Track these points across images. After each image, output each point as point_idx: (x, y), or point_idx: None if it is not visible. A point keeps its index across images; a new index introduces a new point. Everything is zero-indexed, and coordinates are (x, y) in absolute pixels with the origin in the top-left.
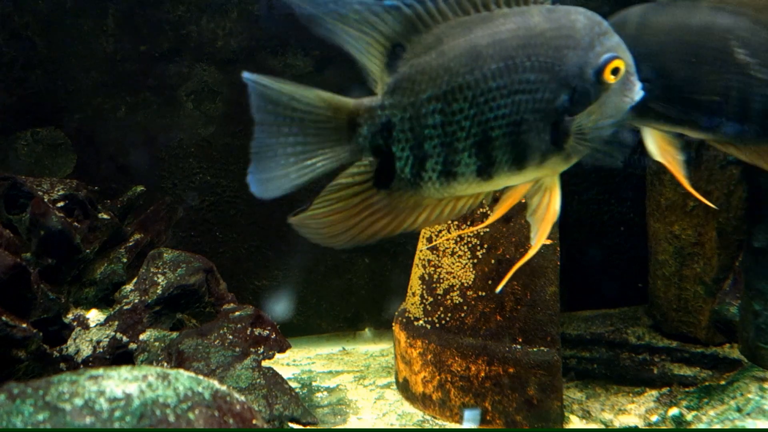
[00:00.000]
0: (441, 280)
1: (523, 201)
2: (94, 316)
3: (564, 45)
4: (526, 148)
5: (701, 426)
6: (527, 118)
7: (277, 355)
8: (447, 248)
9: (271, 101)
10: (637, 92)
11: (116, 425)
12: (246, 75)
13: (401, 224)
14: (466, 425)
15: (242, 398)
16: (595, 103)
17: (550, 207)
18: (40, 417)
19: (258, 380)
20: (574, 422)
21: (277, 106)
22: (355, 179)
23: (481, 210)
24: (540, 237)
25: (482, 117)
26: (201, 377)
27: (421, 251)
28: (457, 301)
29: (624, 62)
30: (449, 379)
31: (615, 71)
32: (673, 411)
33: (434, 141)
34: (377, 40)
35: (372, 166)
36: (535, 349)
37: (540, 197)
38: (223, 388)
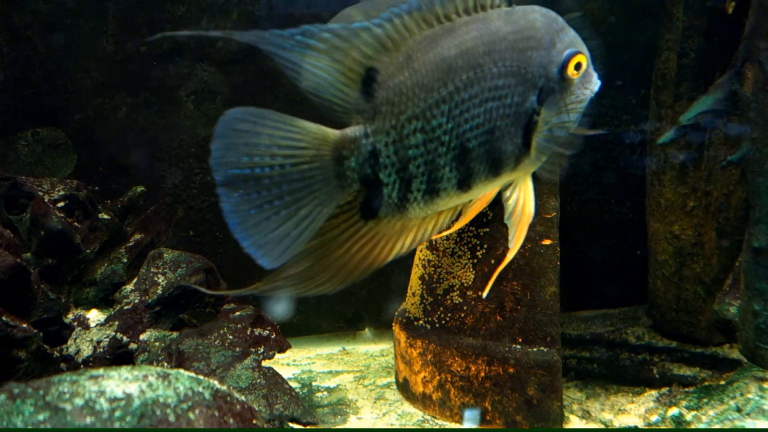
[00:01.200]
0: (441, 280)
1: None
2: (95, 316)
3: (527, 46)
4: (501, 154)
5: (701, 426)
6: (500, 124)
7: (277, 355)
8: (447, 248)
9: (246, 146)
10: (596, 83)
11: (116, 425)
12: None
13: (391, 251)
14: (466, 425)
15: (242, 398)
16: (560, 100)
17: (525, 208)
18: (41, 417)
19: (258, 380)
20: (574, 422)
21: (254, 154)
22: (340, 217)
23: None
24: (518, 238)
25: (459, 129)
26: (201, 377)
27: (421, 251)
28: (457, 301)
29: (584, 56)
30: (449, 379)
31: (577, 66)
32: (673, 411)
33: (418, 161)
34: (351, 66)
35: (357, 197)
36: (534, 349)
37: (515, 200)
38: (224, 388)
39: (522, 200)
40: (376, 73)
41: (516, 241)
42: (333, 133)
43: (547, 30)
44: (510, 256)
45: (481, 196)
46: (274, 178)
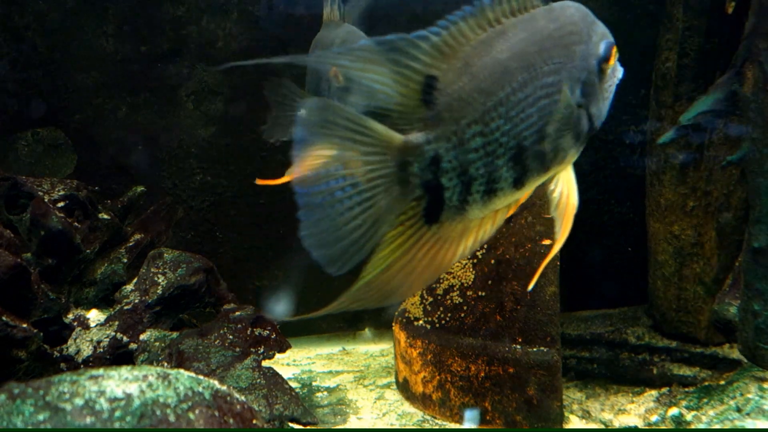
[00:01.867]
0: (441, 280)
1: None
2: (95, 316)
3: (570, 41)
4: (559, 151)
5: (701, 426)
6: (555, 122)
7: (277, 355)
8: None
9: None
10: (620, 71)
11: (116, 425)
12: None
13: (455, 254)
14: (466, 425)
15: (242, 398)
16: (598, 91)
17: (569, 199)
18: (41, 417)
19: (258, 380)
20: (574, 422)
21: (332, 136)
22: (405, 224)
23: None
24: (564, 229)
25: (516, 130)
26: (201, 377)
27: None
28: (457, 301)
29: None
30: (449, 379)
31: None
32: (673, 411)
33: (478, 164)
34: (411, 76)
35: (420, 204)
36: (534, 349)
37: (560, 192)
38: (224, 388)
39: (566, 191)
40: (436, 80)
41: (563, 232)
42: (398, 137)
43: (584, 24)
44: (557, 247)
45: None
46: (342, 181)
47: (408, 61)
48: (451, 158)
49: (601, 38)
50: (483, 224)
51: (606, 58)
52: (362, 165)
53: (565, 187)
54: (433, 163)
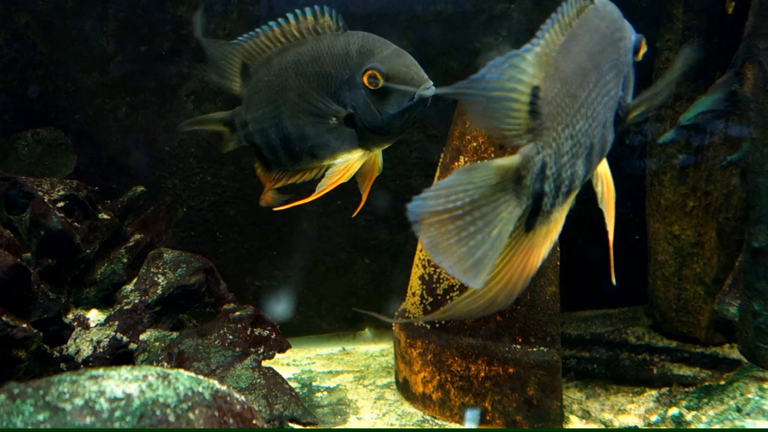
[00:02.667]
0: (441, 281)
1: None
2: (95, 316)
3: (619, 38)
4: (607, 144)
5: (701, 426)
6: (608, 116)
7: (277, 355)
8: None
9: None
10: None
11: (116, 425)
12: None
13: (539, 257)
14: (466, 425)
15: (242, 398)
16: (629, 82)
17: (610, 189)
18: (41, 417)
19: (258, 380)
20: (574, 422)
21: (455, 209)
22: (511, 235)
23: None
24: (610, 217)
25: (591, 129)
26: (201, 377)
27: (420, 251)
28: None
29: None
30: (449, 379)
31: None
32: (673, 411)
33: (567, 166)
34: (522, 90)
35: (525, 212)
36: (534, 349)
37: (602, 183)
38: (224, 388)
39: (606, 182)
40: (539, 90)
41: (611, 219)
42: (513, 159)
43: (622, 20)
44: (611, 236)
45: None
46: (468, 209)
47: (518, 74)
48: (552, 164)
49: (631, 32)
50: (556, 224)
51: (637, 51)
52: (484, 192)
53: (605, 179)
54: (541, 173)
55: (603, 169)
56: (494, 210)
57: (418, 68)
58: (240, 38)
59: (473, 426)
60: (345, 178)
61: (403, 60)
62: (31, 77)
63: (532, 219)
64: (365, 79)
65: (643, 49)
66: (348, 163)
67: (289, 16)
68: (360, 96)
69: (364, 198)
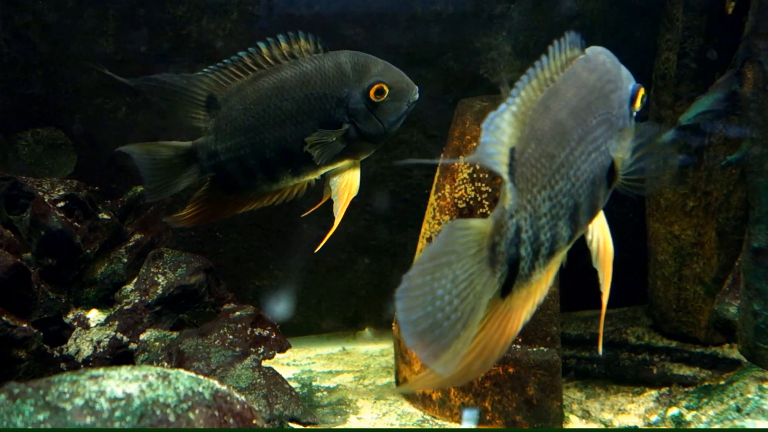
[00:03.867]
0: None
1: None
2: (95, 316)
3: (610, 90)
4: (598, 202)
5: (701, 426)
6: (598, 174)
7: (277, 355)
8: None
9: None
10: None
11: (117, 425)
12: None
13: (520, 321)
14: (466, 425)
15: (242, 398)
16: (629, 134)
17: (607, 247)
18: (41, 417)
19: (258, 380)
20: (574, 422)
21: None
22: (489, 304)
23: (480, 210)
24: (607, 277)
25: (574, 188)
26: (201, 377)
27: (421, 251)
28: None
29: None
30: None
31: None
32: (673, 411)
33: (545, 228)
34: (503, 151)
35: (500, 279)
36: (534, 349)
37: (597, 241)
38: (224, 388)
39: (602, 238)
40: (515, 151)
41: (606, 279)
42: (487, 223)
43: (616, 70)
44: (605, 299)
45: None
46: (444, 281)
47: (499, 136)
48: (528, 227)
49: (628, 81)
50: (539, 286)
51: (634, 101)
52: (463, 261)
53: (600, 235)
54: (515, 237)
55: (599, 226)
56: (470, 284)
57: (404, 74)
58: (205, 70)
59: (473, 426)
60: (354, 191)
61: (395, 70)
62: (31, 77)
63: (508, 284)
64: (372, 93)
65: (640, 100)
66: (346, 177)
67: (260, 44)
68: (360, 110)
69: (337, 222)
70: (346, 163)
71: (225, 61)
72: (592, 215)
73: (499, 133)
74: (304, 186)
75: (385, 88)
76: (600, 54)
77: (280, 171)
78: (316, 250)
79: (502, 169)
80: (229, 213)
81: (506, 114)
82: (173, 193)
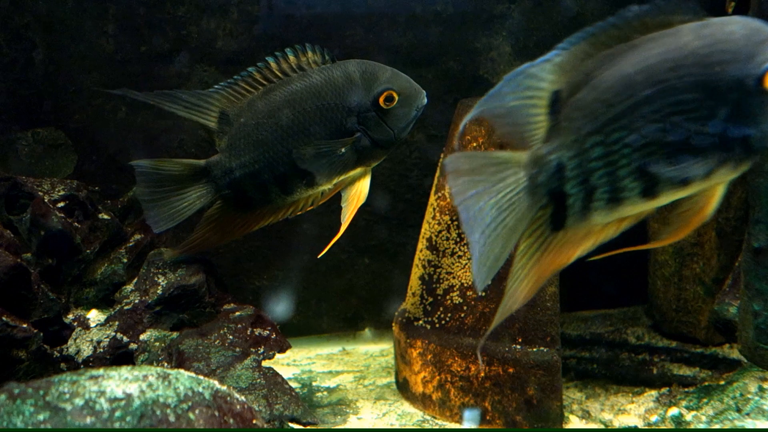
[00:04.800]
0: (441, 281)
1: None
2: (95, 316)
3: (719, 60)
4: (682, 172)
5: (701, 426)
6: (686, 137)
7: (278, 355)
8: (447, 248)
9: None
10: None
11: (117, 425)
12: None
13: (573, 255)
14: (466, 425)
15: (242, 398)
16: (761, 113)
17: (705, 208)
18: (41, 417)
19: (258, 380)
20: (574, 422)
21: (479, 175)
22: (534, 233)
23: None
24: (680, 233)
25: (641, 142)
26: (201, 377)
27: (421, 252)
28: (457, 302)
29: None
30: (449, 379)
31: None
32: (673, 411)
33: (599, 172)
34: (539, 95)
35: (546, 211)
36: (534, 349)
37: (696, 202)
38: (224, 388)
39: (709, 201)
40: (560, 94)
41: (678, 233)
42: (523, 155)
43: (745, 42)
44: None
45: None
46: (485, 209)
47: (537, 83)
48: (574, 166)
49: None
50: (606, 229)
51: (760, 79)
52: (499, 187)
53: (705, 199)
54: (558, 172)
55: (713, 192)
56: (509, 208)
57: (412, 80)
58: (216, 87)
59: (473, 426)
60: (363, 198)
61: (402, 76)
62: (31, 77)
63: (560, 219)
64: (381, 101)
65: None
66: (357, 185)
67: (269, 59)
68: (371, 117)
69: (343, 228)
70: (357, 171)
71: (235, 77)
72: (690, 179)
73: (535, 80)
74: (318, 197)
75: (395, 94)
76: (730, 24)
77: (294, 183)
78: (319, 256)
79: (539, 109)
80: (243, 232)
81: (546, 65)
82: (184, 219)
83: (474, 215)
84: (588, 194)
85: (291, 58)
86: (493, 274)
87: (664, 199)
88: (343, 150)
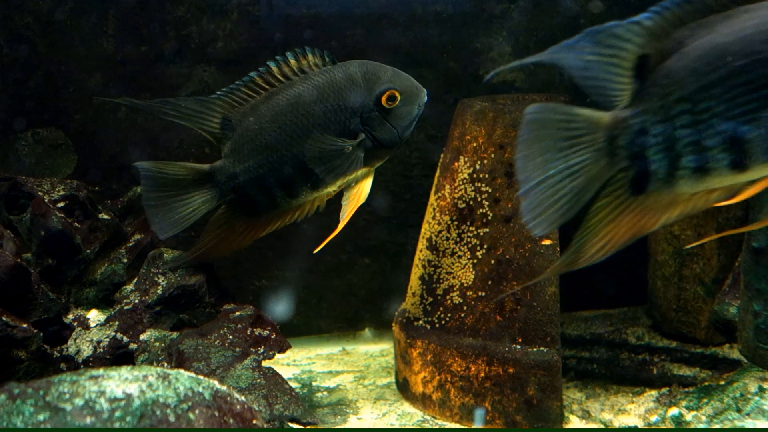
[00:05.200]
0: (441, 281)
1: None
2: (95, 316)
3: None
4: None
5: (701, 426)
6: None
7: (277, 355)
8: (447, 248)
9: (545, 123)
10: None
11: (117, 425)
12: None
13: (657, 222)
14: (466, 425)
15: (242, 398)
16: None
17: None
18: (41, 417)
19: (258, 380)
20: (574, 422)
21: (547, 129)
22: (612, 194)
23: (480, 210)
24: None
25: (731, 113)
26: (201, 377)
27: (421, 251)
28: (457, 302)
29: None
30: (449, 379)
31: None
32: (673, 411)
33: (685, 141)
34: (626, 56)
35: (627, 175)
36: (534, 350)
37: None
38: (224, 388)
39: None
40: (648, 59)
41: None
42: (605, 115)
43: None
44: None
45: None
46: (558, 161)
47: (623, 44)
48: (658, 132)
49: None
50: (693, 199)
51: None
52: (573, 143)
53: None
54: (640, 136)
55: None
56: (584, 166)
57: (413, 79)
58: (218, 93)
59: (478, 425)
60: (364, 198)
61: (403, 75)
62: (31, 77)
63: (641, 183)
64: (384, 100)
65: None
66: (359, 184)
67: (270, 63)
68: (374, 117)
69: (341, 226)
70: (362, 171)
71: (237, 82)
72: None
73: (620, 40)
74: (324, 200)
75: (397, 94)
76: None
77: (299, 186)
78: (315, 251)
79: (622, 70)
80: (250, 239)
81: (635, 27)
82: (189, 225)
83: (536, 165)
84: (672, 162)
85: (292, 61)
86: (548, 226)
87: (755, 173)
88: (347, 150)
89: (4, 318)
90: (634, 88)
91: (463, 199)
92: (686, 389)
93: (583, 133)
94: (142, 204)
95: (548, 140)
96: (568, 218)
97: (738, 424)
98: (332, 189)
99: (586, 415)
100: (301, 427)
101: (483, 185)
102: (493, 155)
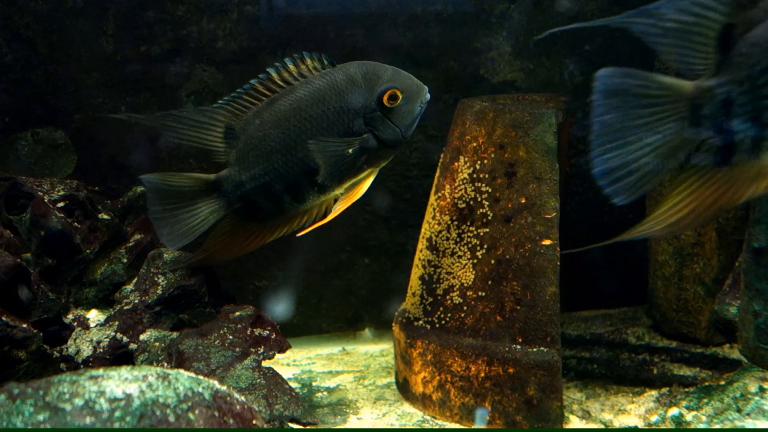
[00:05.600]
0: (441, 281)
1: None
2: (95, 316)
3: None
4: None
5: (701, 426)
6: None
7: (277, 355)
8: (447, 248)
9: (623, 88)
10: None
11: (116, 425)
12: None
13: (743, 195)
14: (475, 425)
15: (242, 398)
16: None
17: None
18: (41, 417)
19: (258, 380)
20: (574, 422)
21: (625, 94)
22: (696, 166)
23: (480, 210)
24: None
25: None
26: (201, 377)
27: (421, 251)
28: (457, 302)
29: None
30: (449, 379)
31: None
32: (673, 411)
33: None
34: (710, 25)
35: (711, 145)
36: (534, 350)
37: None
38: (224, 388)
39: None
40: (734, 28)
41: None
42: (688, 84)
43: None
44: None
45: None
46: (640, 130)
47: (707, 12)
48: (744, 102)
49: None
50: None
51: None
52: (656, 111)
53: None
54: (725, 106)
55: None
56: (665, 135)
57: (414, 77)
58: (220, 102)
59: (478, 426)
60: (359, 195)
61: (404, 74)
62: (31, 77)
63: (726, 154)
64: (385, 100)
65: None
66: (360, 184)
67: (270, 70)
68: (376, 117)
69: (330, 216)
70: (367, 172)
71: (238, 90)
72: None
73: (704, 8)
74: (331, 202)
75: (398, 93)
76: None
77: (306, 191)
78: (298, 235)
79: (705, 39)
80: (257, 244)
81: None
82: (198, 235)
83: (615, 130)
84: (759, 133)
85: (291, 67)
86: (630, 194)
87: None
88: (351, 150)
89: (4, 318)
90: (718, 57)
91: (463, 199)
92: (686, 389)
93: (665, 101)
94: (149, 217)
95: (627, 106)
96: (650, 188)
97: (738, 424)
98: (339, 192)
99: (586, 415)
100: (301, 427)
101: (483, 185)
102: (493, 155)
